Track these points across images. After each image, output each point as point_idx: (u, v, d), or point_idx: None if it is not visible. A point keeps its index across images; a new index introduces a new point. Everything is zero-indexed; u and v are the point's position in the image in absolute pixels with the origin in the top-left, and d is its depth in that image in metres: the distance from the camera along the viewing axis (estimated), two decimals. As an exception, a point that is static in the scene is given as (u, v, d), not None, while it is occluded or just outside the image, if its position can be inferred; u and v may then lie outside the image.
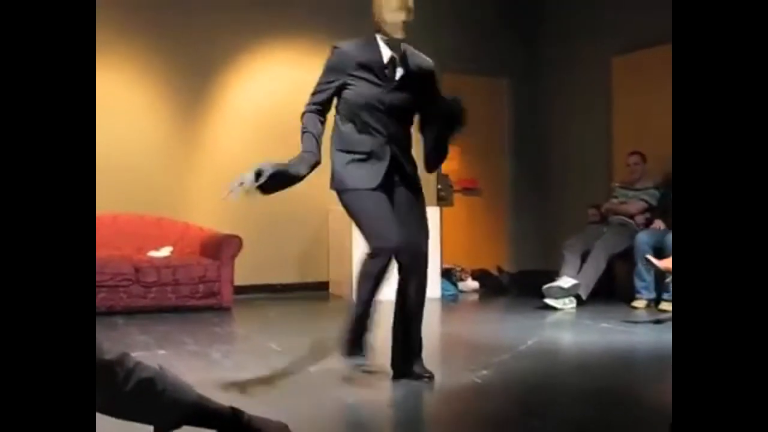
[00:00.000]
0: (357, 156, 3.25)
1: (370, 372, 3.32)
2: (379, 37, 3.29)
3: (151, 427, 2.06)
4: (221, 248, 5.97)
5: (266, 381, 3.40)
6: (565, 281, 5.91)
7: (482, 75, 7.86)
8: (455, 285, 7.12)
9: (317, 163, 3.26)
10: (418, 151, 3.48)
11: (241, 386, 3.28)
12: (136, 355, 2.02)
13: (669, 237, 5.71)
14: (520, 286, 7.34)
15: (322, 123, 3.34)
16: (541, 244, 8.02)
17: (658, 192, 6.30)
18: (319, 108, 3.32)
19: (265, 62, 7.08)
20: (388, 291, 3.29)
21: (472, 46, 7.72)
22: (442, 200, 7.65)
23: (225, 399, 2.23)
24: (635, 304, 5.88)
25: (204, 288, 5.85)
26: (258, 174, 3.03)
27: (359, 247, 6.14)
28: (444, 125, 3.30)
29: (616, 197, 6.57)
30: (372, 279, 3.16)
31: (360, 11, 6.90)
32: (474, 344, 4.53)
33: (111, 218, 6.20)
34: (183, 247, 6.33)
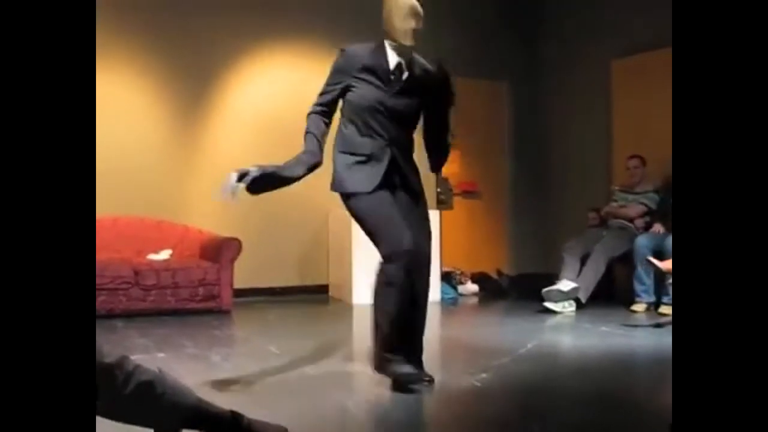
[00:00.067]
0: (358, 158, 3.27)
1: (422, 382, 3.27)
2: (387, 43, 3.32)
3: (150, 431, 2.06)
4: (221, 251, 5.97)
5: (266, 384, 3.39)
6: (565, 284, 5.91)
7: (482, 78, 7.87)
8: (455, 288, 7.12)
9: (317, 164, 3.28)
10: (419, 155, 3.49)
11: (241, 389, 3.28)
12: (136, 358, 2.02)
13: (668, 240, 5.71)
14: (520, 290, 7.34)
15: (327, 124, 3.36)
16: (540, 247, 8.02)
17: (657, 195, 6.30)
18: (324, 109, 3.35)
19: (264, 65, 7.08)
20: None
21: (472, 49, 7.73)
22: (442, 203, 7.65)
23: (224, 402, 2.22)
24: (635, 307, 5.88)
25: (203, 291, 5.84)
26: (242, 175, 3.05)
27: (359, 250, 6.20)
28: (434, 101, 3.30)
29: (615, 201, 6.57)
30: (395, 287, 3.16)
31: (359, 14, 6.96)
32: (473, 347, 4.52)
33: (111, 221, 6.20)
34: (182, 250, 6.33)
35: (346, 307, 6.38)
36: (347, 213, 3.41)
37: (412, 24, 3.27)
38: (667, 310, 5.59)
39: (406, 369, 3.21)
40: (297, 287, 7.06)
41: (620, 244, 6.17)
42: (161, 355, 4.10)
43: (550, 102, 8.12)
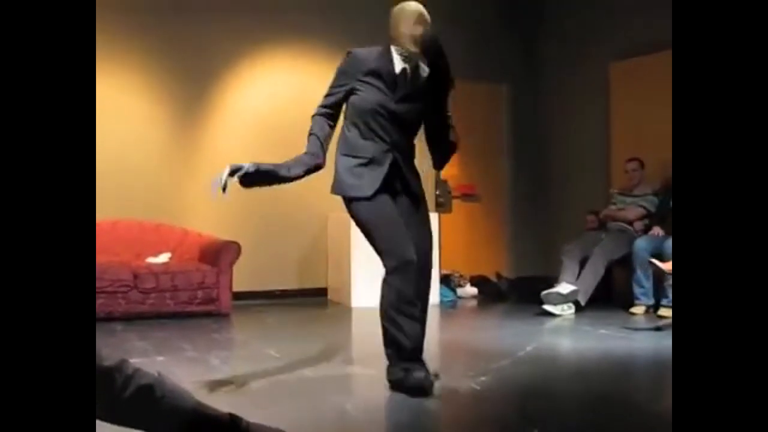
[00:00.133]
0: (359, 161, 3.27)
1: (434, 377, 3.30)
2: (393, 49, 3.33)
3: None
4: (220, 254, 5.96)
5: (265, 387, 3.39)
6: (564, 287, 5.91)
7: (481, 81, 7.88)
8: (454, 291, 7.12)
9: (319, 166, 3.28)
10: (419, 159, 3.49)
11: (240, 392, 3.27)
12: (135, 361, 2.02)
13: (667, 243, 5.71)
14: (519, 293, 7.34)
15: (331, 126, 3.37)
16: (539, 250, 8.02)
17: (656, 198, 6.31)
18: (328, 111, 3.36)
19: (264, 67, 7.09)
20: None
21: (471, 51, 7.73)
22: (441, 206, 7.65)
23: (223, 405, 2.22)
24: (634, 310, 5.88)
25: (202, 294, 5.84)
26: (234, 171, 3.05)
27: (358, 254, 6.20)
28: (430, 76, 3.29)
29: (614, 203, 6.57)
30: (404, 299, 3.17)
31: (359, 17, 6.98)
32: (472, 350, 4.52)
33: (110, 224, 6.19)
34: (182, 253, 6.33)
35: (345, 310, 6.38)
36: (346, 216, 3.41)
37: (419, 30, 3.29)
38: (666, 312, 5.59)
39: (426, 374, 3.22)
40: (296, 290, 7.05)
41: (619, 247, 6.17)
42: (160, 358, 4.10)
43: (549, 105, 8.13)
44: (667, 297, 5.64)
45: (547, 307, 5.82)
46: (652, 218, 6.25)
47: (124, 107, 6.53)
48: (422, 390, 3.16)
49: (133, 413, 1.96)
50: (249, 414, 2.22)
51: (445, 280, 7.06)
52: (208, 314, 5.83)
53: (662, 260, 5.52)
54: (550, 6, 8.07)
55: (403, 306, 3.18)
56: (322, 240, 7.11)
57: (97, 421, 1.81)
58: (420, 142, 3.48)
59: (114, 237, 6.19)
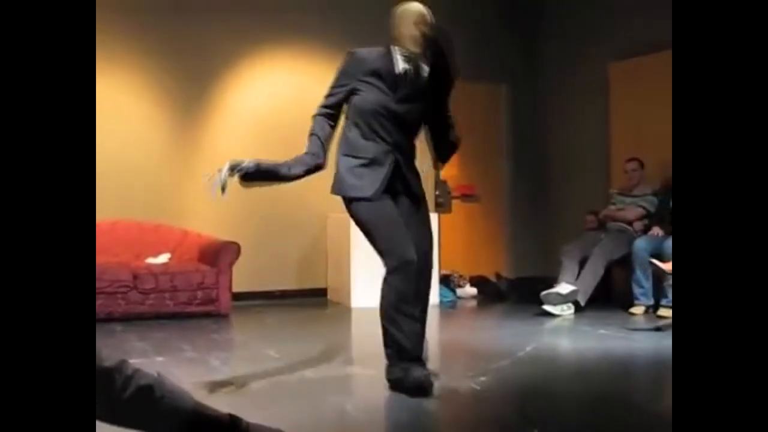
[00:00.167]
0: (360, 161, 3.27)
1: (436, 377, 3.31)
2: (395, 49, 3.33)
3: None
4: (219, 255, 5.96)
5: (264, 388, 3.39)
6: (564, 288, 5.91)
7: (480, 81, 7.88)
8: (453, 291, 7.12)
9: (319, 166, 3.27)
10: (419, 160, 3.49)
11: (239, 393, 3.27)
12: (135, 361, 2.02)
13: (667, 243, 5.71)
14: (519, 293, 7.34)
15: (332, 127, 3.37)
16: (539, 250, 8.02)
17: (656, 198, 6.31)
18: (329, 111, 3.35)
19: (264, 68, 7.08)
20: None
21: (470, 52, 7.72)
22: (441, 207, 7.65)
23: (223, 406, 2.22)
24: (633, 310, 5.88)
25: (202, 295, 5.84)
26: (234, 167, 3.04)
27: (358, 254, 6.20)
28: (433, 71, 3.29)
29: (614, 204, 6.57)
30: (404, 299, 3.17)
31: (359, 17, 6.97)
32: (472, 351, 4.52)
33: (109, 225, 6.19)
34: (181, 253, 6.33)
35: (344, 311, 6.38)
36: (346, 216, 3.41)
37: (420, 31, 3.28)
38: (665, 312, 5.59)
39: (426, 373, 3.22)
40: (296, 291, 7.05)
41: (619, 247, 6.17)
42: (160, 358, 4.10)
43: (548, 105, 8.13)
44: (666, 297, 5.64)
45: (546, 308, 5.82)
46: (651, 218, 6.25)
47: (124, 107, 6.53)
48: (422, 389, 3.16)
49: (133, 414, 1.96)
50: (249, 414, 2.22)
51: (444, 280, 7.06)
52: (207, 315, 5.82)
53: (662, 260, 5.52)
54: (549, 6, 8.07)
55: (403, 306, 3.18)
56: (321, 240, 7.11)
57: (97, 422, 1.80)
58: (420, 143, 3.48)
59: (113, 237, 6.19)
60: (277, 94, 7.04)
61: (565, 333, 5.21)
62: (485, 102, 8.12)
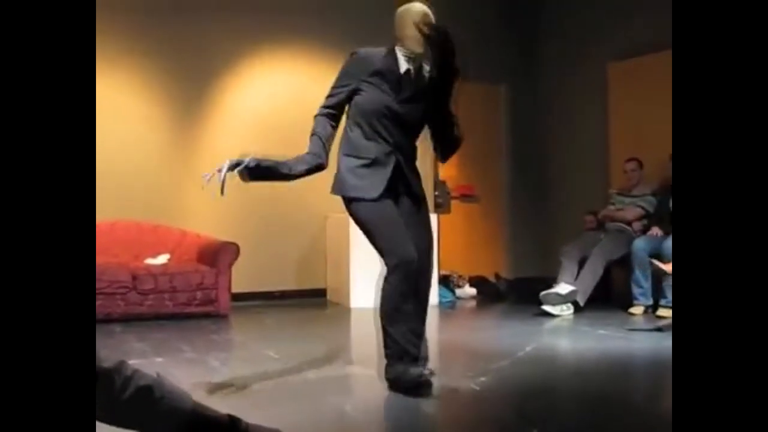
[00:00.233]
0: (362, 161, 3.27)
1: (432, 376, 3.29)
2: (398, 49, 3.32)
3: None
4: (218, 255, 5.96)
5: (264, 388, 3.39)
6: (563, 288, 5.91)
7: (479, 82, 7.88)
8: (453, 292, 7.12)
9: (321, 166, 3.26)
10: (422, 162, 3.49)
11: (239, 394, 3.27)
12: (134, 362, 2.01)
13: (666, 243, 5.72)
14: (518, 293, 7.34)
15: (334, 127, 3.35)
16: (538, 250, 8.02)
17: (655, 198, 6.31)
18: (331, 111, 3.34)
19: (263, 68, 7.08)
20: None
21: (470, 51, 7.72)
22: (440, 207, 7.65)
23: (222, 406, 2.22)
24: (632, 310, 5.88)
25: (201, 295, 5.84)
26: (234, 166, 3.03)
27: (357, 254, 6.20)
28: (436, 68, 3.27)
29: (613, 204, 6.58)
30: (403, 297, 3.17)
31: (358, 18, 6.97)
32: (472, 351, 4.52)
33: (108, 225, 6.19)
34: (180, 254, 6.32)
35: (344, 311, 6.38)
36: (345, 217, 3.41)
37: (424, 31, 3.28)
38: (664, 312, 5.59)
39: (424, 372, 3.21)
40: (295, 291, 7.05)
41: (618, 247, 6.17)
42: (159, 359, 4.09)
43: (548, 105, 8.13)
44: (665, 297, 5.65)
45: (545, 308, 5.82)
46: (650, 218, 6.25)
47: (123, 108, 6.53)
48: (419, 389, 3.16)
49: (132, 414, 1.96)
50: (248, 415, 2.22)
51: (444, 280, 7.06)
52: (206, 315, 5.82)
53: (661, 260, 5.53)
54: (549, 6, 8.08)
55: (403, 305, 3.18)
56: (321, 240, 7.11)
57: (97, 422, 1.80)
58: (421, 144, 3.48)
59: (112, 238, 6.19)
60: (277, 94, 7.04)
61: (564, 333, 5.21)
62: (484, 102, 8.12)
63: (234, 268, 6.02)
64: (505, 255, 8.22)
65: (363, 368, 3.89)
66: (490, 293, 7.40)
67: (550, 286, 5.97)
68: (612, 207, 6.56)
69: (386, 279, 3.22)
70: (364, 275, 6.14)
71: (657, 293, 5.82)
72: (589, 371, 3.88)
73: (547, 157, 8.15)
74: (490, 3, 8.12)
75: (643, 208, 6.33)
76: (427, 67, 3.38)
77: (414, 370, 3.18)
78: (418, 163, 3.49)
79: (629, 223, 6.34)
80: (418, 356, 3.27)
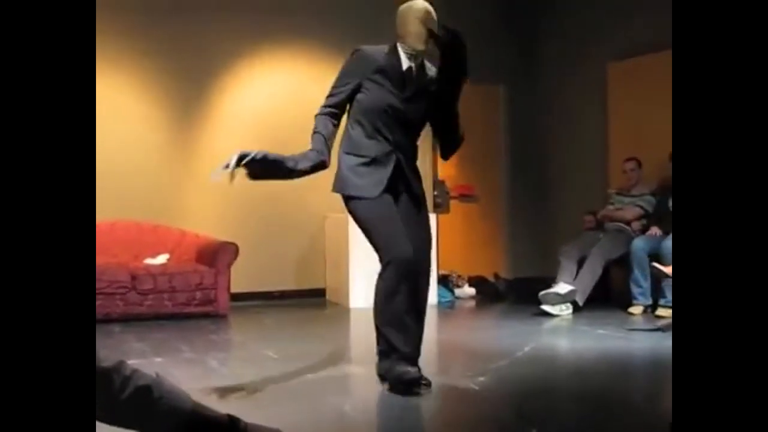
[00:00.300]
0: (362, 159, 3.26)
1: (421, 385, 3.26)
2: (400, 47, 3.32)
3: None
4: (218, 255, 5.96)
5: (263, 388, 3.39)
6: (562, 287, 5.91)
7: (478, 82, 7.87)
8: (452, 291, 7.11)
9: (323, 164, 3.24)
10: (421, 161, 3.49)
11: (238, 394, 3.27)
12: (133, 362, 2.02)
13: (665, 243, 5.72)
14: (517, 293, 7.34)
15: (335, 126, 3.34)
16: (537, 250, 8.02)
17: (654, 198, 6.31)
18: (333, 110, 3.32)
19: (263, 68, 7.08)
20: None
21: (468, 52, 7.73)
22: (439, 207, 7.65)
23: (222, 406, 2.22)
24: (632, 310, 5.88)
25: (200, 295, 5.83)
26: (242, 157, 3.01)
27: (356, 254, 6.20)
28: (444, 71, 3.26)
29: (612, 203, 6.58)
30: (395, 294, 3.17)
31: (358, 18, 6.97)
32: (471, 351, 4.52)
33: (108, 225, 6.18)
34: (179, 254, 6.32)
35: (343, 311, 6.37)
36: (344, 217, 3.41)
37: (426, 28, 3.27)
38: (663, 312, 5.59)
39: (409, 369, 3.20)
40: (294, 291, 7.04)
41: (617, 247, 6.17)
42: (158, 359, 4.09)
43: (547, 105, 8.13)
44: (664, 297, 5.65)
45: (545, 308, 5.82)
46: (649, 218, 6.25)
47: (122, 108, 6.52)
48: (405, 386, 3.16)
49: (131, 414, 1.96)
50: (247, 415, 2.22)
51: (443, 280, 7.05)
52: (206, 315, 5.82)
53: (660, 260, 5.53)
54: (548, 6, 8.07)
55: (395, 303, 3.17)
56: (320, 240, 7.10)
57: (96, 422, 1.80)
58: (420, 144, 3.48)
59: (112, 238, 6.18)
60: (276, 94, 7.04)
61: (563, 333, 5.21)
62: (483, 102, 8.11)
63: (233, 268, 6.02)
64: (504, 255, 8.21)
65: (362, 368, 3.89)
66: (489, 293, 7.40)
67: (549, 286, 5.97)
68: (611, 207, 6.56)
69: (380, 275, 3.22)
70: (364, 275, 6.14)
71: (656, 293, 5.82)
72: (588, 371, 3.88)
73: (546, 157, 8.15)
74: (489, 2, 8.11)
75: (642, 207, 6.33)
76: (428, 65, 3.38)
77: (400, 368, 3.17)
78: (417, 163, 3.49)
79: (628, 223, 6.33)
80: (410, 355, 3.25)
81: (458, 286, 7.23)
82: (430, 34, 3.20)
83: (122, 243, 6.23)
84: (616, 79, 7.13)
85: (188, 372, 3.73)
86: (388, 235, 3.20)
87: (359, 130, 3.30)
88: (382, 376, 3.28)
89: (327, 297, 7.05)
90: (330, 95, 3.34)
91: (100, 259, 5.73)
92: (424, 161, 3.58)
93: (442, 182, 7.81)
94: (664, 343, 4.52)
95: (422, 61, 3.35)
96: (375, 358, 3.39)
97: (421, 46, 3.29)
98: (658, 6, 6.03)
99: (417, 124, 3.39)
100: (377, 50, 3.34)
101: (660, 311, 5.66)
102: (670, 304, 5.50)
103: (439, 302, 6.72)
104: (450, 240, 7.53)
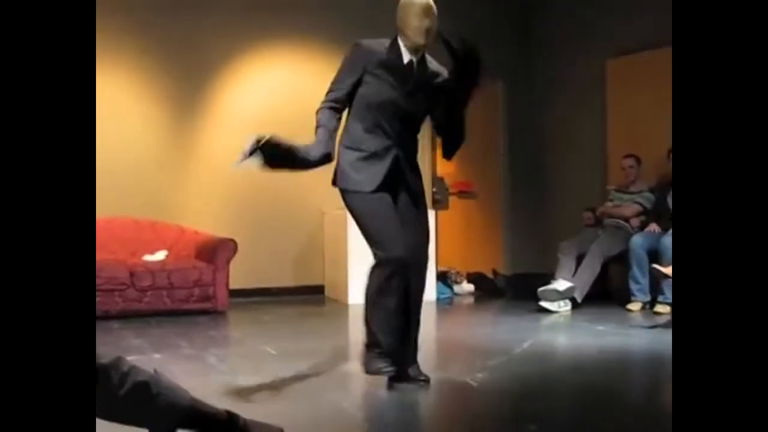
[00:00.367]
0: (361, 154, 3.26)
1: (417, 382, 3.27)
2: (401, 41, 3.31)
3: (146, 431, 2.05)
4: (216, 252, 5.96)
5: (261, 385, 3.39)
6: (561, 284, 5.91)
7: (477, 78, 7.86)
8: (450, 288, 7.12)
9: (329, 155, 3.22)
10: (420, 158, 3.49)
11: (237, 390, 3.27)
12: (131, 359, 2.02)
13: (664, 240, 5.72)
14: (516, 289, 7.34)
15: (338, 120, 3.32)
16: (536, 247, 8.02)
17: (652, 195, 6.31)
18: (335, 105, 3.30)
19: (261, 66, 7.07)
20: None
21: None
22: (438, 203, 7.65)
23: (220, 403, 2.22)
24: (630, 306, 5.88)
25: (199, 292, 5.84)
26: (259, 140, 2.99)
27: (354, 250, 6.19)
28: (456, 81, 3.25)
29: (611, 200, 6.58)
30: (385, 289, 3.16)
31: (357, 15, 6.96)
32: (469, 347, 4.52)
33: (106, 222, 6.17)
34: (178, 250, 6.32)
35: (341, 308, 6.38)
36: (343, 213, 3.41)
37: (426, 23, 3.25)
38: (662, 309, 5.59)
39: (388, 366, 3.18)
40: (292, 288, 7.05)
41: (616, 244, 6.17)
42: (157, 356, 4.09)
43: (545, 102, 8.12)
44: (663, 294, 5.65)
45: (543, 304, 5.82)
46: (648, 215, 6.26)
47: (121, 105, 6.52)
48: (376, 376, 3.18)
49: (130, 410, 1.96)
50: (246, 411, 2.22)
51: (441, 276, 7.06)
52: (204, 312, 5.82)
53: (659, 256, 5.53)
54: (547, 2, 8.07)
55: (383, 299, 3.16)
56: (318, 237, 7.10)
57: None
58: (421, 141, 3.47)
59: (110, 235, 6.18)
60: (275, 91, 7.03)
61: (562, 329, 5.22)
62: (482, 99, 8.09)
63: (232, 265, 6.02)
64: (502, 251, 8.21)
65: (360, 364, 3.89)
66: (487, 289, 7.40)
67: (547, 283, 5.97)
68: (610, 203, 6.56)
69: (371, 269, 3.22)
70: (362, 271, 6.09)
71: (655, 290, 5.82)
72: (587, 367, 3.88)
73: (544, 153, 8.14)
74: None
75: (640, 204, 6.33)
76: (429, 58, 3.37)
77: (378, 364, 3.16)
78: (417, 160, 3.49)
79: (627, 220, 6.34)
80: (394, 351, 3.21)
81: (457, 283, 7.23)
82: (447, 46, 3.17)
83: (121, 240, 6.23)
84: (615, 76, 7.12)
85: (187, 368, 3.73)
86: (382, 232, 3.20)
87: (359, 124, 3.29)
88: (366, 369, 3.26)
89: (325, 293, 7.05)
90: (331, 90, 3.33)
91: (99, 256, 5.72)
92: (423, 158, 3.57)
93: (441, 179, 7.81)
94: (663, 339, 4.52)
95: (423, 55, 3.34)
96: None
97: (421, 41, 3.27)
98: (656, 3, 6.03)
99: (418, 119, 3.39)
100: (378, 44, 3.32)
101: (658, 308, 5.66)
102: (669, 301, 5.51)
103: (438, 299, 6.72)
104: (449, 236, 7.54)
